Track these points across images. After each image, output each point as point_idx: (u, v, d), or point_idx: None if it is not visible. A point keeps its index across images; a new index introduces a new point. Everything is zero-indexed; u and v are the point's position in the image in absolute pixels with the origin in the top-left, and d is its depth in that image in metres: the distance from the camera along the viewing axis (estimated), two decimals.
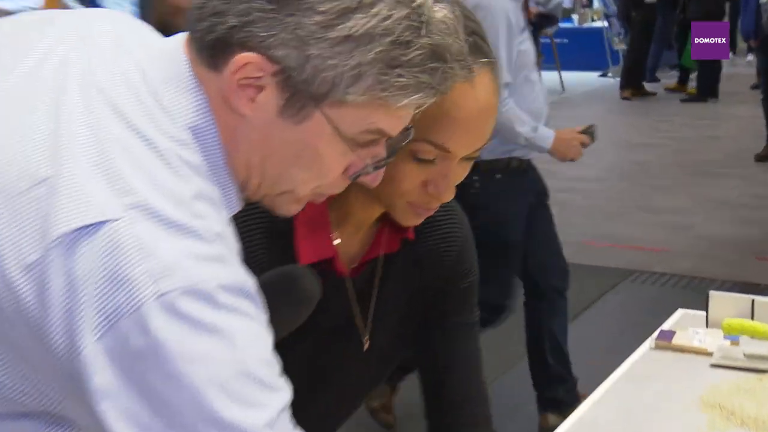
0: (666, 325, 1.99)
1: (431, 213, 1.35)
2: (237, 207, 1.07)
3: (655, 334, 1.91)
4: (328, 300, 1.40)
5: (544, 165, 3.66)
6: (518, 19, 3.33)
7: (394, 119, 1.04)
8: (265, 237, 1.37)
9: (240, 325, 0.92)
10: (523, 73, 3.36)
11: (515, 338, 3.69)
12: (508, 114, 3.26)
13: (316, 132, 1.01)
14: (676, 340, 1.87)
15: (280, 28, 0.97)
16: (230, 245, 0.97)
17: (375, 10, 0.97)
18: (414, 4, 1.00)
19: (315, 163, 1.04)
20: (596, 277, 5.01)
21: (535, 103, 3.41)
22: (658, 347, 1.87)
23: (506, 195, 3.42)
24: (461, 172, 1.32)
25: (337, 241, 1.40)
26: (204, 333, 0.90)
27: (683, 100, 11.38)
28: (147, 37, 1.08)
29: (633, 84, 12.00)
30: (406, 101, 1.01)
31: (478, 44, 1.26)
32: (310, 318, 1.36)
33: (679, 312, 2.07)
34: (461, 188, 1.33)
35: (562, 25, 13.89)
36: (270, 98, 0.99)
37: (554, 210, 3.59)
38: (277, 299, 1.18)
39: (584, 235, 5.75)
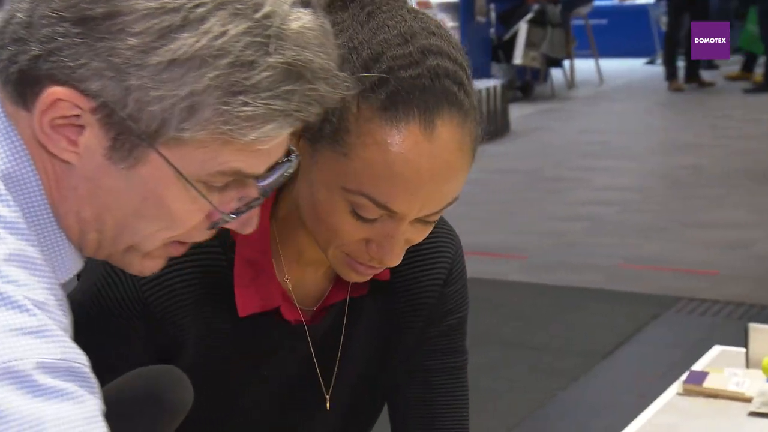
0: (699, 365, 1.98)
1: (376, 272, 1.32)
2: (74, 268, 1.06)
3: (684, 376, 1.90)
4: (281, 354, 1.40)
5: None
6: None
7: (252, 155, 1.02)
8: (195, 287, 1.35)
9: (64, 413, 0.90)
10: None
11: (526, 383, 3.66)
12: None
13: (155, 177, 1.00)
14: (709, 383, 1.86)
15: (90, 55, 0.96)
16: (55, 316, 0.96)
17: (206, 26, 0.96)
18: (257, 16, 0.98)
19: (161, 213, 1.02)
20: (633, 307, 4.99)
21: None
22: (686, 392, 1.87)
23: None
24: (415, 233, 1.28)
25: (289, 284, 1.38)
26: (14, 426, 0.87)
27: (747, 91, 11.39)
28: None
29: (687, 72, 11.96)
30: (254, 135, 0.99)
31: (447, 88, 1.21)
32: (263, 376, 1.36)
33: (716, 349, 2.07)
34: None
35: (598, 2, 13.94)
36: (93, 140, 0.99)
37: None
38: (133, 408, 1.16)
39: (619, 256, 5.71)
